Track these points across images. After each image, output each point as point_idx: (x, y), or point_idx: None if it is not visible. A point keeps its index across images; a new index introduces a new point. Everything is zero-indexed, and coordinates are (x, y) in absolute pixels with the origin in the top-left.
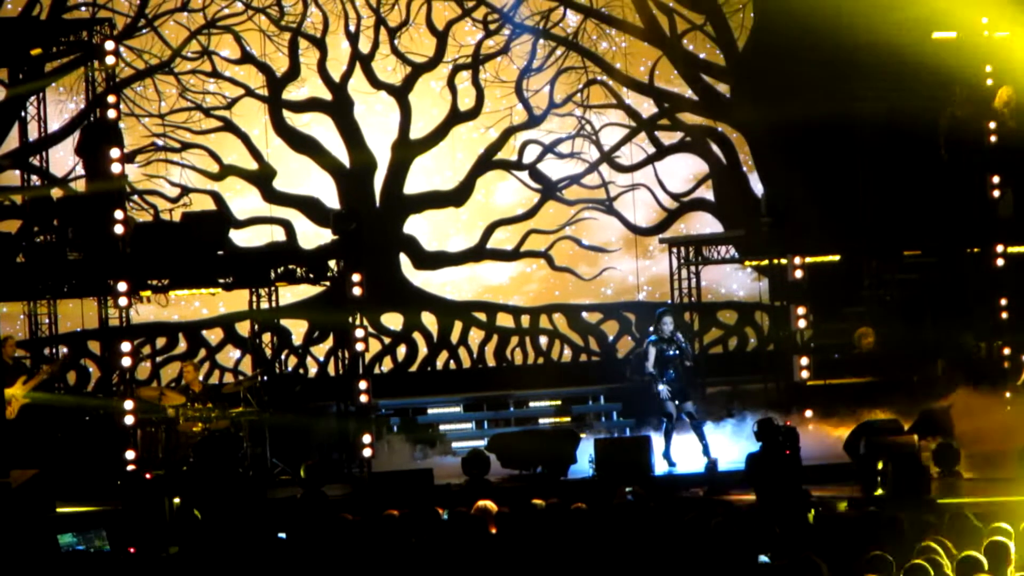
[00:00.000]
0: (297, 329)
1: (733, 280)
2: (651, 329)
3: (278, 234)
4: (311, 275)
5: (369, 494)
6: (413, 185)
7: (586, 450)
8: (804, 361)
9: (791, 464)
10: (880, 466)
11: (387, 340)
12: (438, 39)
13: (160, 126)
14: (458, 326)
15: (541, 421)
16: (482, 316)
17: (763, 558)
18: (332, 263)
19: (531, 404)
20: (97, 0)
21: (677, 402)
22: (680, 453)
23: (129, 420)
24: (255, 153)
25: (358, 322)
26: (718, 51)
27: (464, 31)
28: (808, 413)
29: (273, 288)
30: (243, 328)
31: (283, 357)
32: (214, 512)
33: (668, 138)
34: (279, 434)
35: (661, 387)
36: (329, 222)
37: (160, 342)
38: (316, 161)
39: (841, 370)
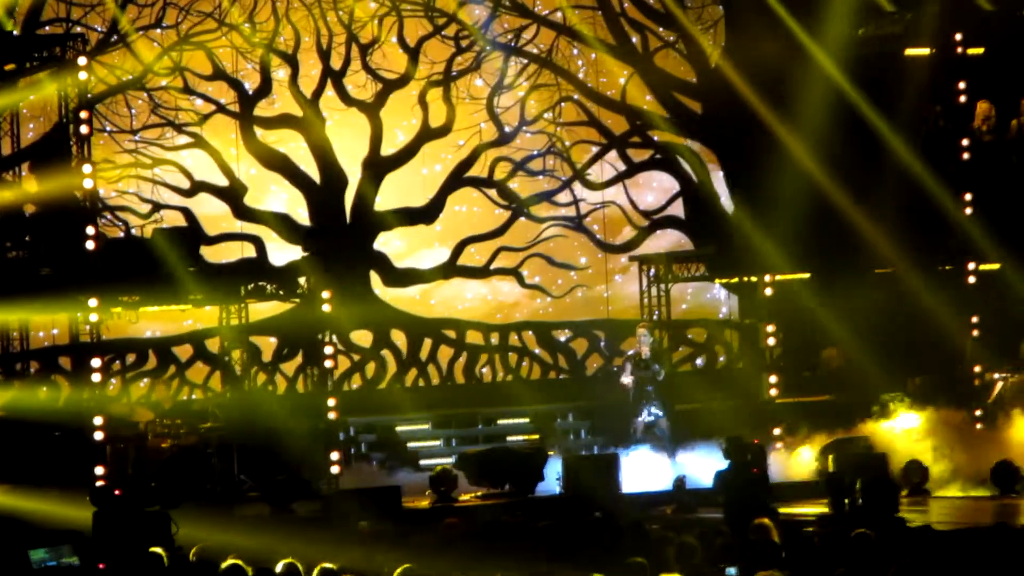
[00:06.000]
0: (267, 346)
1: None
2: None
3: (248, 250)
4: (281, 291)
5: (337, 511)
6: (384, 202)
7: (554, 468)
8: (773, 379)
9: (759, 482)
10: (849, 483)
11: (356, 357)
12: (409, 56)
13: (132, 142)
14: (427, 343)
15: (509, 439)
16: (451, 333)
17: (731, 571)
18: (302, 280)
19: (500, 422)
20: (70, 16)
21: (652, 419)
22: (648, 473)
23: (99, 436)
24: (226, 169)
25: (327, 339)
26: (687, 68)
27: (436, 48)
28: (777, 431)
29: (243, 304)
30: (213, 344)
31: (252, 374)
32: None
33: (639, 156)
34: (248, 451)
35: (637, 421)
36: (300, 239)
37: (130, 358)
38: (287, 177)
39: (810, 388)
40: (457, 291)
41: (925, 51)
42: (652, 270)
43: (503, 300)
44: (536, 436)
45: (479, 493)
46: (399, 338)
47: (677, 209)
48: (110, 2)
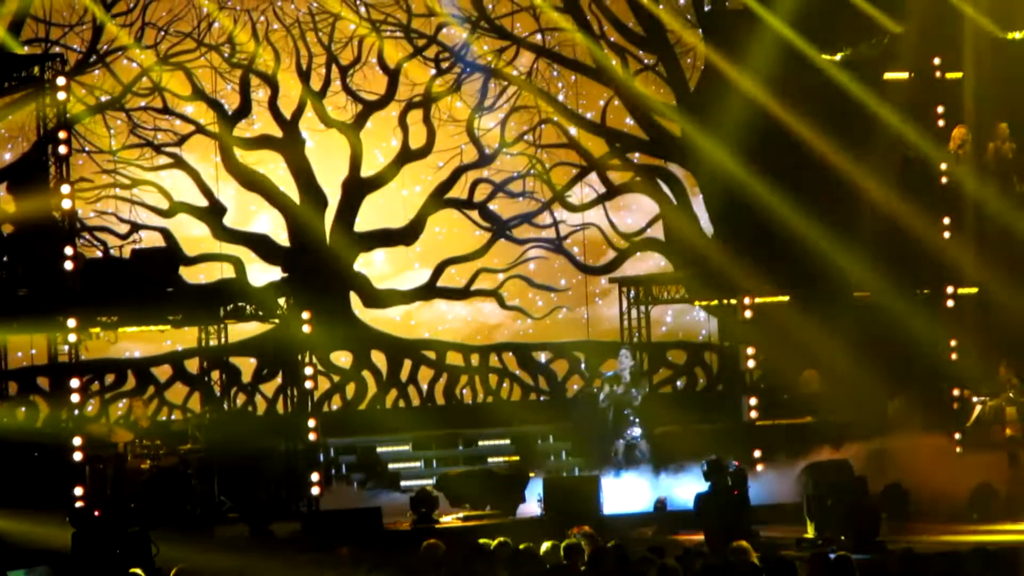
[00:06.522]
0: (246, 366)
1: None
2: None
3: (228, 271)
4: (260, 312)
5: (318, 532)
6: (364, 223)
7: (535, 489)
8: (753, 401)
9: (739, 504)
10: (829, 506)
11: (336, 378)
12: (389, 77)
13: (111, 162)
14: (407, 364)
15: (490, 460)
16: (431, 355)
17: None
18: (282, 300)
19: (480, 443)
20: (49, 36)
21: (630, 439)
22: (628, 494)
23: (78, 456)
24: (205, 190)
25: (307, 360)
26: (666, 91)
27: (416, 69)
28: (757, 453)
29: (222, 325)
30: (192, 365)
31: (232, 394)
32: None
33: (619, 178)
34: (227, 471)
35: (618, 442)
36: (279, 259)
37: (109, 378)
38: (266, 198)
39: (790, 410)
40: (439, 312)
41: (904, 75)
42: (632, 292)
43: (485, 321)
44: (517, 457)
45: (460, 514)
46: (379, 359)
47: (657, 232)
48: (98, 10)
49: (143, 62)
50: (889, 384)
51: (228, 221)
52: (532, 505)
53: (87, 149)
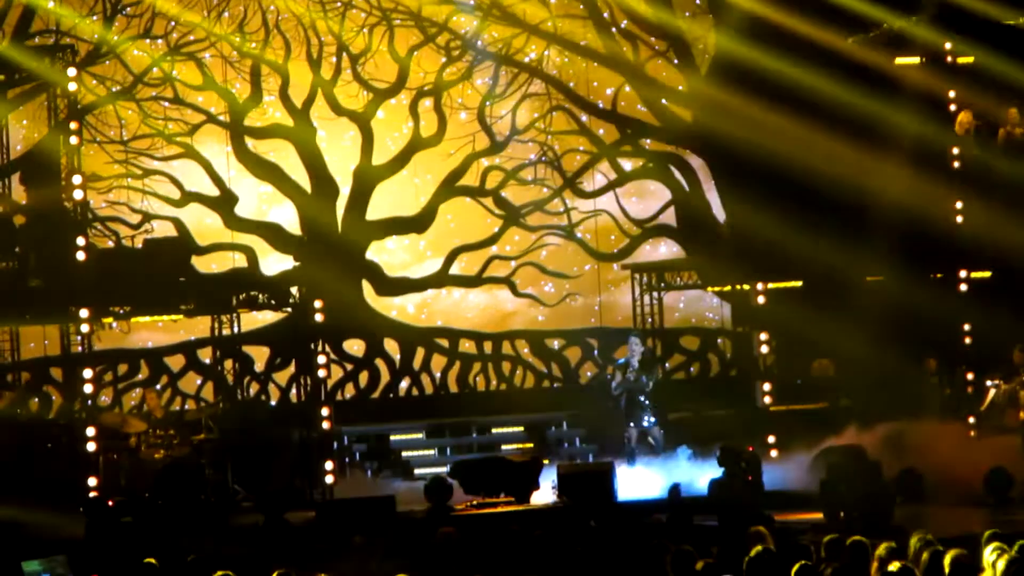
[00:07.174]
0: (259, 355)
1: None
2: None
3: (240, 260)
4: (273, 301)
5: (332, 520)
6: (375, 211)
7: (549, 476)
8: (767, 387)
9: (754, 490)
10: (843, 491)
11: (349, 366)
12: (400, 65)
13: (122, 153)
14: (420, 352)
15: (504, 447)
16: (444, 342)
17: None
18: (294, 289)
19: (494, 430)
20: (59, 27)
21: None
22: (643, 480)
23: (91, 447)
24: (217, 179)
25: (320, 348)
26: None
27: (427, 57)
28: (771, 439)
29: (235, 314)
30: (205, 354)
31: (245, 383)
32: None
33: (631, 164)
34: (241, 460)
35: (631, 430)
36: (291, 248)
37: (122, 368)
38: (278, 187)
39: (804, 396)
40: (453, 300)
41: (915, 60)
42: (645, 278)
43: (501, 308)
44: (530, 444)
45: (474, 502)
46: (392, 347)
47: (670, 218)
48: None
49: (153, 52)
50: (903, 369)
51: (240, 210)
52: (546, 492)
53: (98, 140)
